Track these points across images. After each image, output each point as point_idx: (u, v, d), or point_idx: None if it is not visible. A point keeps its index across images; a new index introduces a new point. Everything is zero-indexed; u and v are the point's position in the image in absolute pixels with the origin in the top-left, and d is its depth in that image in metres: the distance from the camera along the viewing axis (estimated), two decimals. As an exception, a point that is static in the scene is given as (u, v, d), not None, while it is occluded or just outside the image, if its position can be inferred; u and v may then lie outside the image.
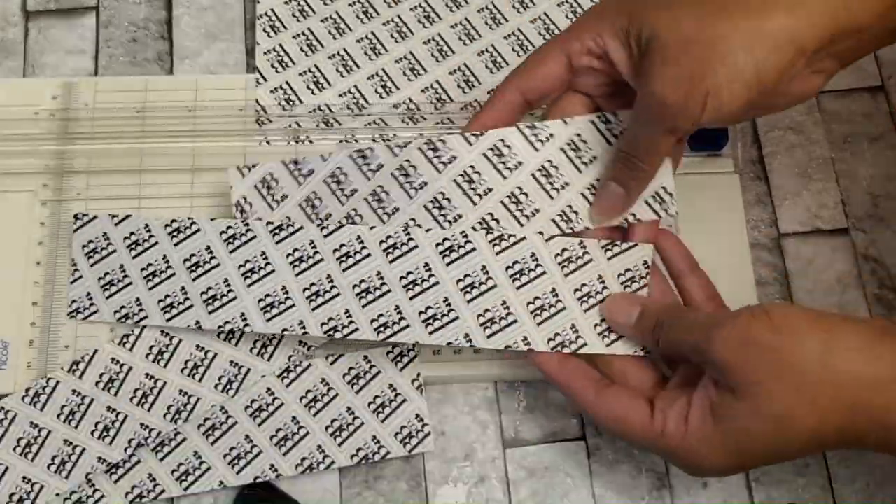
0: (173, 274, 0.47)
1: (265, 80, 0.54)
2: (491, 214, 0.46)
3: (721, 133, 0.53)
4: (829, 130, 0.55)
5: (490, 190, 0.46)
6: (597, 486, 0.48)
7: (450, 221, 0.46)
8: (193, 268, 0.46)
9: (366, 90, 0.54)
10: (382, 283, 0.45)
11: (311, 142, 0.52)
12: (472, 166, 0.46)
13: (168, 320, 0.46)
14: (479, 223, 0.46)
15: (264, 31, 0.55)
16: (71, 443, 0.46)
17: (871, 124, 0.56)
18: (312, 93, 0.54)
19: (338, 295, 0.45)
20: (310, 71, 0.54)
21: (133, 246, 0.48)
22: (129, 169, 0.52)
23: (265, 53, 0.54)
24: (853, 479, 0.49)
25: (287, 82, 0.54)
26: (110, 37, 0.55)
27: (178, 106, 0.53)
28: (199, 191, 0.52)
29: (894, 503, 0.49)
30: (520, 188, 0.46)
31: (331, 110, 0.53)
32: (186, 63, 0.55)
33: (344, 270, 0.45)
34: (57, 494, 0.46)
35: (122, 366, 0.47)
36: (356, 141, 0.52)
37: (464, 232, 0.45)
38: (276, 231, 0.46)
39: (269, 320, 0.45)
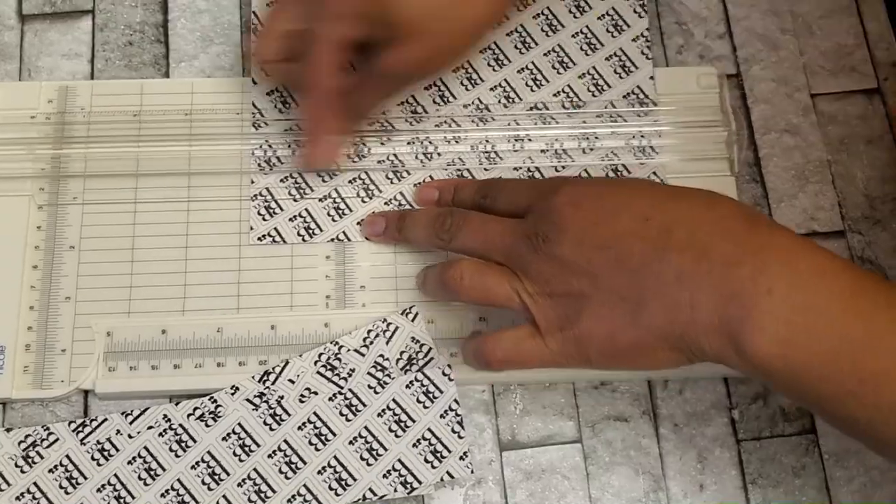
0: None
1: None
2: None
3: None
4: (825, 133, 0.55)
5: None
6: (593, 488, 0.48)
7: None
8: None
9: None
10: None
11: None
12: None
13: None
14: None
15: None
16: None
17: (867, 126, 0.56)
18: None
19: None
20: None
21: None
22: (125, 173, 0.52)
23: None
24: (850, 480, 0.49)
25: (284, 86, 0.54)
26: (106, 40, 0.55)
27: (175, 109, 0.53)
28: (196, 194, 0.52)
29: (891, 505, 0.49)
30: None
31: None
32: (182, 66, 0.55)
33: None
34: None
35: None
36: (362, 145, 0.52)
37: None
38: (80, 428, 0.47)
39: None
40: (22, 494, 0.46)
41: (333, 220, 0.52)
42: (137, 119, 0.53)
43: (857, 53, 0.57)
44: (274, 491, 0.46)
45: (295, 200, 0.52)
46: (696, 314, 0.39)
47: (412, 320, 0.49)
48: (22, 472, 0.46)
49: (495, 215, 0.46)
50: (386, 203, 0.52)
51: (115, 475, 0.46)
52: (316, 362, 0.48)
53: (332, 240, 0.51)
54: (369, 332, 0.49)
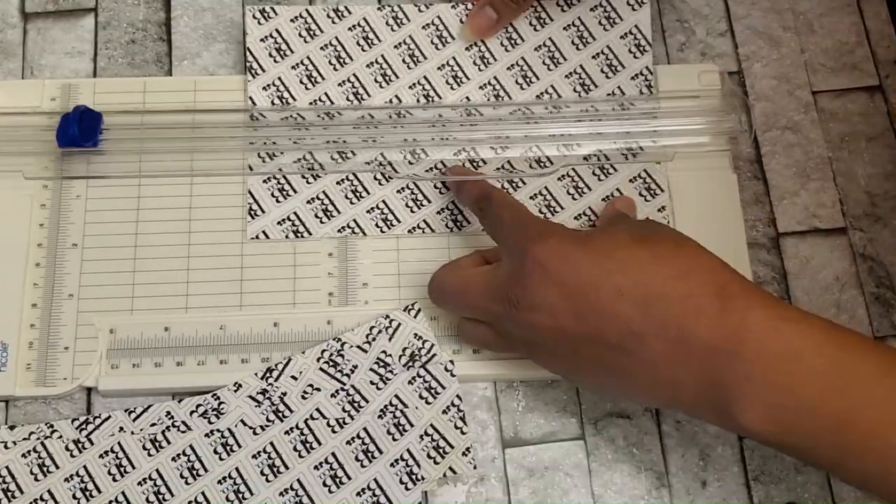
0: None
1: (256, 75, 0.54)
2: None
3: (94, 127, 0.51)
4: (826, 130, 0.56)
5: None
6: (596, 485, 0.48)
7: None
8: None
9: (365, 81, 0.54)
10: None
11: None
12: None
13: None
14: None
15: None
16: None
17: (869, 124, 0.56)
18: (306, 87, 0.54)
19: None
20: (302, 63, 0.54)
21: None
22: (127, 170, 0.52)
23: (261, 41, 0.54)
24: (852, 477, 0.49)
25: (280, 78, 0.54)
26: (109, 38, 0.55)
27: (177, 107, 0.53)
28: (198, 191, 0.52)
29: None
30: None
31: (331, 101, 0.53)
32: (185, 64, 0.55)
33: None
34: None
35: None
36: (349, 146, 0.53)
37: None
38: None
39: None
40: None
41: (322, 223, 0.51)
42: (140, 117, 0.53)
43: (858, 51, 0.57)
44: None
45: (278, 201, 0.52)
46: (681, 394, 0.40)
47: (415, 317, 0.49)
48: (27, 467, 0.46)
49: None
50: (372, 209, 0.52)
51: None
52: (318, 359, 0.48)
53: (332, 236, 0.51)
54: (372, 328, 0.49)
